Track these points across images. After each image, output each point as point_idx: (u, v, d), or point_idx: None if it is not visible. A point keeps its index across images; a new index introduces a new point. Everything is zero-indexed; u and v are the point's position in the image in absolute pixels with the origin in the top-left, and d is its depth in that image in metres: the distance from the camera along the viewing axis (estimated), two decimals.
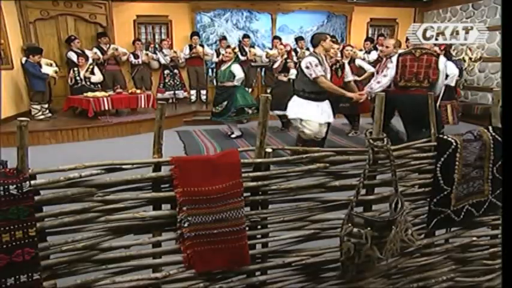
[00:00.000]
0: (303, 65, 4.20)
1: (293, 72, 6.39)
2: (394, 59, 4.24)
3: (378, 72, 4.92)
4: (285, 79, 6.35)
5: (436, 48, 5.10)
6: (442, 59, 4.21)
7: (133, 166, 1.37)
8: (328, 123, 4.46)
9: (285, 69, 6.40)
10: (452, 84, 5.50)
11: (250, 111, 5.84)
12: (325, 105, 4.36)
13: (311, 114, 4.27)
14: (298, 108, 4.33)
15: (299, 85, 4.36)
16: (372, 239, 1.46)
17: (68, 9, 7.64)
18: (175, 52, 8.14)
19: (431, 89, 4.11)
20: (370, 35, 9.17)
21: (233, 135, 6.15)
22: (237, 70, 5.73)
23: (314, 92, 4.25)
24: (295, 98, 4.43)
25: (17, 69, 6.55)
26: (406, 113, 4.28)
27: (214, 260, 1.47)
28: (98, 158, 1.36)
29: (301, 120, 4.32)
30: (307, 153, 1.57)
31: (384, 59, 5.02)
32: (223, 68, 5.93)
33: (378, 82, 4.31)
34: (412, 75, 4.13)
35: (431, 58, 4.12)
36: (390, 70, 4.24)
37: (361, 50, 7.95)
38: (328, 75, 4.33)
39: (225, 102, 5.81)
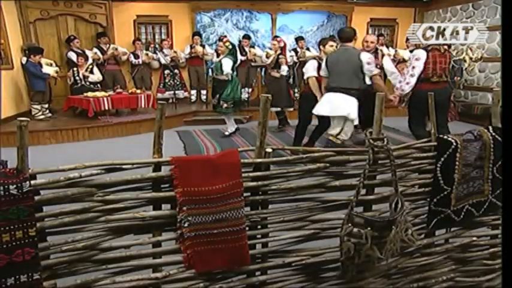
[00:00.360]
0: (364, 59, 3.98)
1: (284, 69, 6.39)
2: (423, 56, 4.18)
3: None
4: (277, 75, 6.38)
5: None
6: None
7: (133, 166, 1.37)
8: None
9: (278, 65, 6.43)
10: None
11: (225, 105, 5.82)
12: None
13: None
14: (355, 108, 4.06)
15: (354, 83, 4.04)
16: (372, 239, 1.46)
17: (68, 9, 7.64)
18: (175, 52, 8.13)
19: None
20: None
21: (226, 133, 6.17)
22: (226, 64, 5.69)
23: (363, 89, 4.09)
24: (348, 97, 4.06)
25: (17, 69, 6.55)
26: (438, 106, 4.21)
27: (214, 260, 1.47)
28: (98, 158, 1.36)
29: (346, 120, 4.16)
30: (307, 153, 1.57)
31: None
32: (217, 60, 5.99)
33: (408, 83, 4.22)
34: (442, 71, 4.20)
35: (449, 54, 4.32)
36: (417, 69, 4.16)
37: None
38: None
39: (218, 95, 5.94)
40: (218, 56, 6.01)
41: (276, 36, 8.38)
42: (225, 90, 5.79)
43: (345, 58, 4.10)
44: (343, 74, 4.09)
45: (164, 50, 8.14)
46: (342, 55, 4.17)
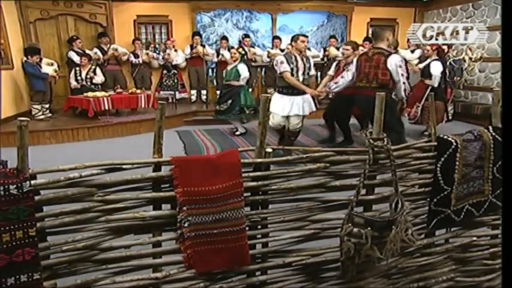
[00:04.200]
0: None
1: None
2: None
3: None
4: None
5: (428, 48, 5.08)
6: (392, 59, 4.02)
7: (133, 166, 1.37)
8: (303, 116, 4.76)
9: None
10: (435, 84, 5.39)
11: (247, 112, 6.05)
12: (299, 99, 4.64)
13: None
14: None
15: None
16: (372, 239, 1.46)
17: (68, 9, 7.64)
18: (168, 54, 7.99)
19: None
20: (370, 35, 9.16)
21: (237, 132, 6.27)
22: (243, 69, 5.93)
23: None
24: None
25: (17, 69, 6.54)
26: None
27: (214, 260, 1.47)
28: (98, 158, 1.36)
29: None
30: (307, 153, 1.57)
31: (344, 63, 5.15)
32: (229, 67, 6.10)
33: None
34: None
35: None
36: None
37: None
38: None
39: (230, 101, 6.01)
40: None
41: (276, 37, 8.40)
42: (240, 96, 5.96)
43: None
44: None
45: (168, 51, 8.10)
46: None
